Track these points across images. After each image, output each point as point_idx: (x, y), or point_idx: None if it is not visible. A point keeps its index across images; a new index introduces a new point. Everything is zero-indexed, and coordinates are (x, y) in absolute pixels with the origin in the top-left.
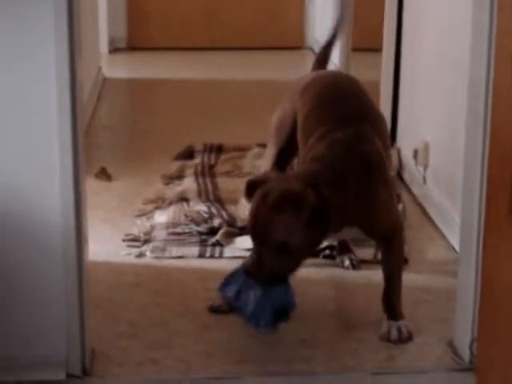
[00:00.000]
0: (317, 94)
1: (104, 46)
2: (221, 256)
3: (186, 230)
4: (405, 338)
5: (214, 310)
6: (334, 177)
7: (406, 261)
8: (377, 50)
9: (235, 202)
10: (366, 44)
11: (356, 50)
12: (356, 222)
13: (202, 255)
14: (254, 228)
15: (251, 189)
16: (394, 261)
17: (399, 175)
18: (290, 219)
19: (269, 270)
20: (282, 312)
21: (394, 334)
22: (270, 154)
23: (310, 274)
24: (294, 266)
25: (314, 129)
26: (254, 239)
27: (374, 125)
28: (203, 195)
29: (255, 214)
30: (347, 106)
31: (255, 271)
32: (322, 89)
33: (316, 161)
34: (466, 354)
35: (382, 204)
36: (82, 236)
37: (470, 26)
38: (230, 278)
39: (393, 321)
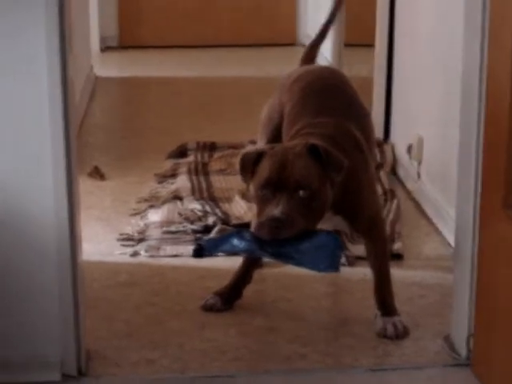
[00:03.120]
0: (302, 88)
1: (95, 45)
2: (216, 254)
3: (181, 229)
4: (401, 334)
5: (208, 308)
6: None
7: (401, 256)
8: (369, 45)
9: (229, 199)
10: (358, 39)
11: (349, 45)
12: (341, 206)
13: (193, 249)
14: (282, 176)
15: (246, 162)
16: (378, 255)
17: (393, 171)
18: (319, 169)
19: (299, 222)
20: (338, 248)
21: (390, 329)
22: (259, 146)
23: (305, 270)
24: (317, 221)
25: (297, 120)
26: (281, 189)
27: (357, 120)
28: (197, 193)
29: (282, 163)
30: (331, 100)
31: (285, 222)
32: (308, 83)
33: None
34: (462, 350)
35: (364, 191)
36: (76, 236)
37: (462, 20)
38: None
39: (387, 317)
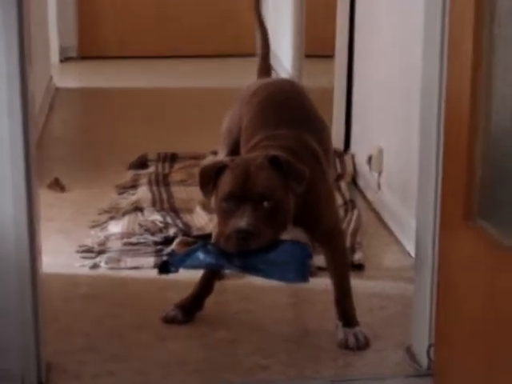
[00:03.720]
0: (261, 101)
1: (55, 56)
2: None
3: (141, 240)
4: (362, 345)
5: (169, 320)
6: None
7: (361, 267)
8: (330, 56)
9: (190, 210)
10: (318, 50)
11: (309, 56)
12: (300, 217)
13: (157, 265)
14: (245, 188)
15: (207, 175)
16: (338, 265)
17: (354, 181)
18: (282, 180)
19: (266, 233)
20: (306, 257)
21: (352, 340)
22: (218, 158)
23: (266, 281)
24: (282, 230)
25: (255, 133)
26: (245, 201)
27: (315, 132)
28: (158, 204)
29: (245, 175)
30: (289, 114)
31: (252, 234)
32: (266, 96)
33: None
34: (423, 360)
35: (323, 203)
36: (35, 248)
37: (421, 31)
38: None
39: (349, 328)
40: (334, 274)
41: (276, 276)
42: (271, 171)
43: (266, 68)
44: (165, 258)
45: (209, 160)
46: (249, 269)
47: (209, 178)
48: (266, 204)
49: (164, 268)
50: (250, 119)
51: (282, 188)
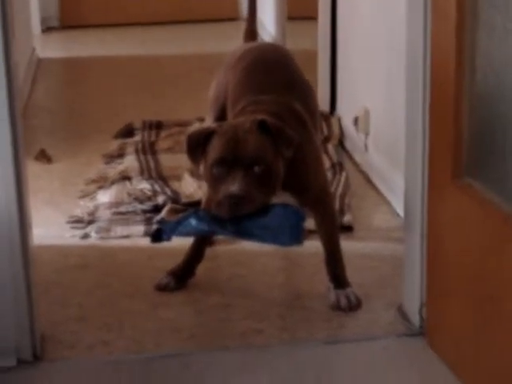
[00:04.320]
0: (246, 66)
1: (36, 26)
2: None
3: (130, 209)
4: (354, 306)
5: (162, 288)
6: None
7: (350, 228)
8: (313, 18)
9: (178, 178)
10: (301, 12)
11: (292, 18)
12: (288, 182)
13: (147, 234)
14: (235, 153)
15: (194, 141)
16: (327, 227)
17: (341, 143)
18: (271, 144)
19: (258, 197)
20: (299, 219)
21: (344, 302)
22: (207, 124)
23: (257, 246)
24: (273, 194)
25: (241, 98)
26: (236, 166)
27: (299, 95)
28: (145, 173)
29: (234, 141)
30: (273, 77)
31: (244, 198)
32: (251, 61)
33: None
34: (415, 319)
35: (310, 166)
36: (25, 221)
37: None
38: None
39: (340, 289)
40: (323, 237)
41: (270, 240)
42: (260, 135)
43: (251, 32)
44: (157, 227)
45: (195, 127)
46: (242, 234)
47: (197, 145)
48: (256, 169)
49: (157, 236)
50: (236, 84)
51: (272, 152)
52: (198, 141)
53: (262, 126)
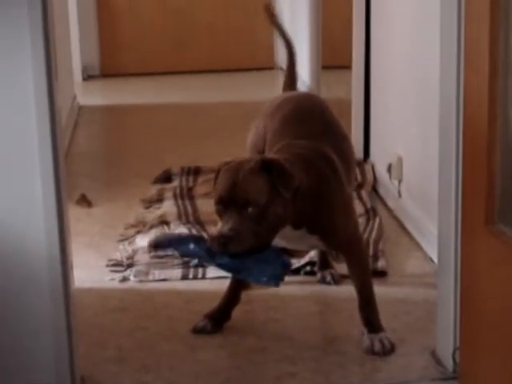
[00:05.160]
0: (283, 115)
1: (78, 74)
2: (203, 277)
3: (168, 253)
4: (388, 350)
5: (199, 330)
6: (300, 164)
7: (385, 273)
8: (347, 67)
9: (215, 223)
10: (335, 61)
11: (326, 67)
12: (314, 225)
13: (185, 277)
14: (231, 193)
15: (214, 177)
16: (359, 273)
17: (374, 189)
18: (270, 185)
19: (247, 238)
20: (283, 266)
21: (378, 346)
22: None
23: (292, 290)
24: (268, 238)
25: (276, 143)
26: (231, 205)
27: (334, 142)
28: (183, 217)
29: (232, 180)
30: (309, 126)
31: (232, 239)
32: (289, 109)
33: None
34: (449, 363)
35: (338, 212)
36: (67, 264)
37: (437, 40)
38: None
39: (373, 334)
40: (356, 282)
41: (251, 277)
42: (260, 176)
43: (291, 80)
44: (157, 237)
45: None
46: (228, 269)
47: (214, 180)
48: (250, 210)
49: (156, 245)
50: (273, 132)
51: (269, 193)
52: (214, 176)
53: (265, 165)
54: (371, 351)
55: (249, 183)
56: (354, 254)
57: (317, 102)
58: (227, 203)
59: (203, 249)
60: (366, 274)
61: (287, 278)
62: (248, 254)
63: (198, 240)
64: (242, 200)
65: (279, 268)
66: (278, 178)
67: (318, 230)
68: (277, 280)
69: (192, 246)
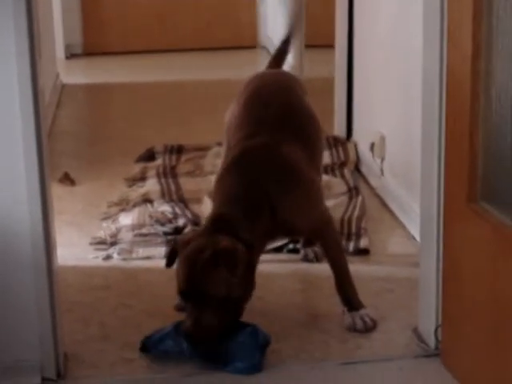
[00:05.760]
0: (247, 96)
1: (60, 53)
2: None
3: (152, 231)
4: (370, 327)
5: (181, 308)
6: (246, 211)
7: (367, 252)
8: (330, 46)
9: (198, 201)
10: (318, 40)
11: (309, 46)
12: (283, 230)
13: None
14: (190, 287)
15: (169, 252)
16: (333, 254)
17: (357, 168)
18: (227, 274)
19: (215, 328)
20: (262, 346)
21: (360, 323)
22: (223, 153)
23: (275, 268)
24: (237, 316)
25: (236, 132)
26: (192, 300)
27: (295, 127)
28: (166, 196)
29: (189, 274)
30: (270, 110)
31: (199, 332)
32: (253, 90)
33: (226, 182)
34: (431, 341)
35: (300, 206)
36: (50, 242)
37: (421, 17)
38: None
39: (354, 311)
40: (331, 263)
41: (229, 368)
42: (215, 267)
43: (280, 56)
44: (142, 340)
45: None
46: (211, 360)
47: (169, 256)
48: (212, 303)
49: (143, 348)
50: (236, 115)
51: (227, 282)
52: (170, 255)
53: (218, 256)
54: (353, 329)
55: (206, 277)
56: (326, 238)
57: (284, 81)
58: (187, 296)
59: (182, 341)
60: (339, 255)
61: (270, 256)
62: (221, 337)
63: (176, 330)
64: (200, 294)
65: (257, 353)
66: (232, 269)
67: (288, 231)
68: (257, 365)
69: (171, 342)
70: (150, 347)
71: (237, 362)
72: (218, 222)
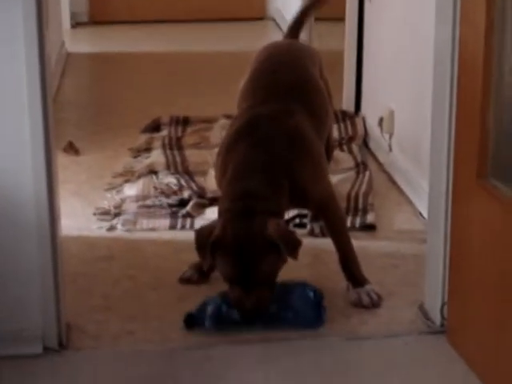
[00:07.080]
0: (259, 65)
1: (66, 21)
2: (192, 227)
3: (156, 203)
4: (376, 302)
5: (186, 280)
6: (268, 182)
7: (373, 227)
8: (340, 18)
9: (204, 173)
10: (328, 13)
11: (319, 19)
12: (296, 200)
13: (173, 227)
14: (245, 274)
15: (202, 245)
16: (336, 230)
17: (365, 143)
18: (278, 256)
19: (267, 300)
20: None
21: (366, 299)
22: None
23: None
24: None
25: (245, 99)
26: (247, 283)
27: (303, 100)
28: (172, 167)
29: (241, 262)
30: (280, 80)
31: (258, 307)
32: (265, 60)
33: (238, 151)
34: (436, 318)
35: (307, 179)
36: (55, 212)
37: None
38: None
39: (359, 287)
40: (334, 240)
41: (294, 321)
42: (265, 251)
43: (296, 27)
44: (188, 313)
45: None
46: (270, 324)
47: (204, 250)
48: (263, 284)
49: (189, 322)
50: (246, 82)
51: (276, 261)
52: (205, 248)
53: (271, 241)
54: (359, 304)
55: (258, 263)
56: (329, 213)
57: (295, 52)
58: (240, 283)
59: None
60: (342, 230)
61: None
62: (276, 299)
63: (225, 298)
64: (254, 281)
65: (317, 303)
66: (284, 247)
67: (296, 203)
68: (321, 318)
69: (224, 307)
70: (199, 323)
71: (304, 317)
72: (246, 198)
